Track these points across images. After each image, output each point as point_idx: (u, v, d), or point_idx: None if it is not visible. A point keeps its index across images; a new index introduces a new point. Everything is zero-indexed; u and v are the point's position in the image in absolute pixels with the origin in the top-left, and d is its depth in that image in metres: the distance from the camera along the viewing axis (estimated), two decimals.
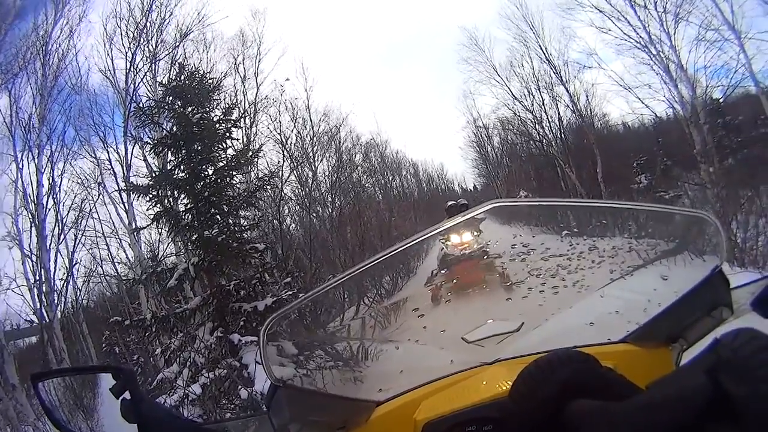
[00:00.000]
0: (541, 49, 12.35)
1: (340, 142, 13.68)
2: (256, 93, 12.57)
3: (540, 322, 1.52)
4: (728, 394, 0.51)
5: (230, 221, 7.92)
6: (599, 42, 11.18)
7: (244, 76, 12.59)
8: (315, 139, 13.32)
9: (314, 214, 12.51)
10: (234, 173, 8.38)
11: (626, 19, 10.56)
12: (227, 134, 8.39)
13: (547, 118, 12.83)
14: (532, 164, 14.29)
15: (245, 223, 8.42)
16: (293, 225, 12.67)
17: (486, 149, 15.66)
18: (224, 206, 7.83)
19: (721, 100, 10.20)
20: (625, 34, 10.54)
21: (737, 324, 0.97)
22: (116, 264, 11.64)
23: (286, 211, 12.36)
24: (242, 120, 11.43)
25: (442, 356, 1.43)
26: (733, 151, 10.00)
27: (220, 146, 8.26)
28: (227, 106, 8.84)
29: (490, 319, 1.49)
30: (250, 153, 8.86)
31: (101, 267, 11.70)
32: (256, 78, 12.63)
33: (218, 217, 7.73)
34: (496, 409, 0.97)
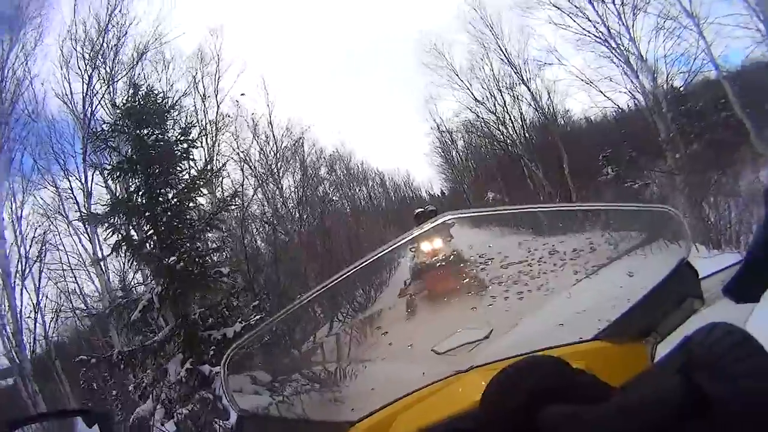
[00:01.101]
0: (500, 49, 12.64)
1: (304, 156, 13.71)
2: (217, 111, 12.53)
3: (510, 328, 1.56)
4: (705, 393, 0.50)
5: (193, 246, 7.75)
6: (559, 39, 11.53)
7: (204, 94, 12.53)
8: (279, 154, 13.31)
9: (282, 231, 12.41)
10: (195, 195, 8.22)
11: (585, 14, 10.92)
12: (185, 155, 8.25)
13: (510, 118, 13.12)
14: (498, 165, 14.57)
15: (209, 246, 8.25)
16: (262, 243, 12.57)
17: (451, 154, 15.96)
18: (185, 231, 7.66)
19: (681, 88, 10.61)
20: (584, 29, 10.89)
21: (711, 312, 1.07)
22: (85, 297, 11.31)
23: (255, 230, 12.22)
24: (204, 139, 11.35)
25: (412, 370, 1.43)
26: (697, 137, 10.40)
27: (178, 168, 8.11)
28: (185, 125, 8.72)
29: (458, 329, 1.49)
30: (210, 173, 8.66)
31: (70, 301, 11.34)
32: (216, 96, 12.60)
33: (180, 242, 7.54)
34: (471, 419, 0.97)
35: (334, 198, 14.80)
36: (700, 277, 1.05)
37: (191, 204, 8.09)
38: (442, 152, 16.07)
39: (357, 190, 16.14)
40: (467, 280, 1.88)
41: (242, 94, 12.52)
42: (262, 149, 13.03)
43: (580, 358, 1.14)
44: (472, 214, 1.31)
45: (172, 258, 6.96)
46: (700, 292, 1.05)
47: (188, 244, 7.69)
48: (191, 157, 8.55)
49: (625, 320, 1.18)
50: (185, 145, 8.28)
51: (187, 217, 7.93)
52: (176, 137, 8.34)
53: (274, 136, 13.20)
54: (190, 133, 8.59)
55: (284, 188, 13.19)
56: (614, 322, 1.21)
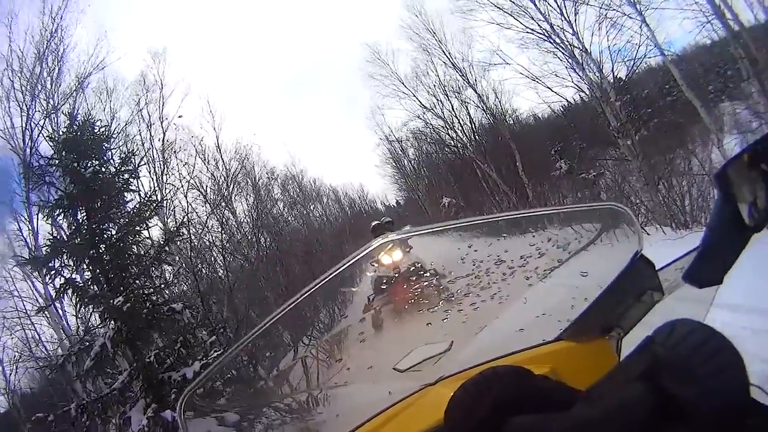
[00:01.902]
0: (444, 54, 12.96)
1: (255, 178, 13.56)
2: (163, 138, 12.35)
3: (470, 338, 1.60)
4: (672, 396, 0.50)
5: (142, 283, 7.45)
6: (502, 39, 11.92)
7: (149, 121, 12.30)
8: (230, 178, 13.14)
9: (240, 257, 12.19)
10: (140, 228, 7.91)
11: (527, 12, 11.29)
12: (126, 186, 7.94)
13: (459, 122, 13.46)
14: (451, 170, 14.87)
15: (160, 282, 7.95)
16: (221, 271, 12.29)
17: (402, 163, 16.20)
18: (132, 268, 7.34)
19: (626, 77, 11.11)
20: (527, 27, 11.27)
21: (676, 300, 1.11)
22: (45, 344, 10.96)
23: (213, 258, 11.93)
24: (152, 168, 11.33)
25: (377, 390, 1.46)
26: (645, 123, 10.94)
27: (121, 200, 7.79)
28: (123, 155, 8.40)
29: (417, 345, 1.53)
30: (155, 204, 8.37)
31: (29, 350, 10.98)
32: (162, 122, 12.41)
33: (126, 281, 7.22)
34: None
35: (289, 218, 14.73)
36: (657, 268, 1.08)
37: (136, 238, 7.77)
38: (393, 162, 16.34)
39: (312, 208, 16.15)
40: (420, 295, 1.91)
41: (180, 116, 12.42)
42: (212, 174, 12.92)
43: (545, 360, 1.24)
44: (407, 235, 1.34)
45: (118, 299, 6.63)
46: (658, 283, 1.08)
47: (136, 282, 7.36)
48: (133, 188, 8.27)
49: (585, 319, 1.20)
50: (126, 176, 7.97)
51: (133, 252, 7.59)
52: (116, 168, 8.04)
53: (222, 160, 13.10)
54: (131, 162, 8.27)
55: (238, 213, 13.08)
56: (575, 322, 1.24)
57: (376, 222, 9.45)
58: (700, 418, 0.49)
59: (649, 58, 10.58)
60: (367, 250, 1.11)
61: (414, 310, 1.81)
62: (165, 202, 10.29)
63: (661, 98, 11.49)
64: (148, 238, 8.61)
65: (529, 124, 13.82)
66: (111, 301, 6.67)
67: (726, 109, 9.66)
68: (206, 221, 12.24)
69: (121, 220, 7.66)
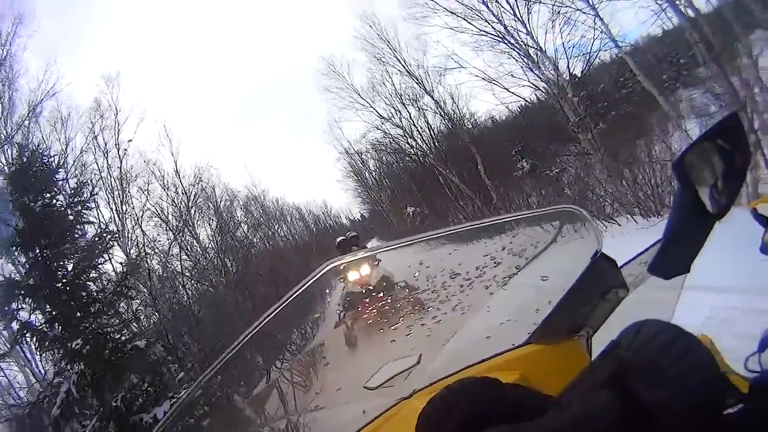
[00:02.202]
0: (400, 62, 13.11)
1: (217, 201, 13.36)
2: (120, 165, 12.13)
3: (438, 350, 1.61)
4: (640, 400, 0.49)
5: (101, 322, 7.08)
6: (457, 43, 12.11)
7: (106, 149, 12.09)
8: (190, 203, 12.93)
9: (207, 283, 11.97)
10: (97, 263, 7.62)
11: (480, 15, 11.48)
12: (79, 219, 7.63)
13: (418, 130, 13.64)
14: (413, 179, 15.07)
15: (121, 319, 7.63)
16: (187, 300, 11.99)
17: (364, 176, 16.29)
18: (90, 306, 7.00)
19: (582, 73, 11.40)
20: (480, 29, 11.47)
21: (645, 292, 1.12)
22: (17, 391, 10.47)
23: (178, 287, 11.64)
24: (110, 197, 11.15)
25: (350, 410, 1.46)
26: (602, 116, 11.29)
27: (73, 234, 7.47)
28: (75, 185, 8.10)
29: (384, 362, 1.52)
30: (109, 236, 8.07)
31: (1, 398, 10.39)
32: (118, 150, 12.22)
33: (84, 321, 6.86)
34: None
35: (254, 240, 14.60)
36: (619, 265, 1.09)
37: (93, 273, 7.46)
38: (355, 176, 16.39)
39: (277, 228, 16.08)
40: (380, 313, 1.95)
41: (129, 141, 12.26)
42: (172, 200, 12.72)
43: (515, 364, 1.26)
44: (354, 258, 1.35)
45: (77, 342, 6.33)
46: (621, 280, 1.09)
47: (97, 321, 7.01)
48: (88, 219, 7.99)
49: (552, 321, 1.22)
50: (79, 208, 7.66)
51: (91, 289, 7.27)
52: (67, 200, 7.73)
53: (182, 185, 12.86)
54: (82, 193, 7.97)
55: (202, 238, 12.92)
56: (542, 325, 1.26)
57: (341, 238, 9.33)
58: (671, 420, 0.48)
59: (604, 51, 10.88)
60: (319, 275, 1.11)
61: (375, 329, 1.82)
62: (126, 231, 9.95)
63: (617, 91, 11.88)
64: (104, 272, 8.34)
65: (488, 126, 14.15)
66: (69, 344, 6.36)
67: (683, 96, 10.02)
68: (168, 249, 12.04)
69: (77, 254, 7.37)
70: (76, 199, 7.74)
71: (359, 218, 18.32)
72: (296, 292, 1.12)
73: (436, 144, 13.63)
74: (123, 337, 7.23)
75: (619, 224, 8.12)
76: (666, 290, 1.14)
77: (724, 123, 0.73)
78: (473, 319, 1.64)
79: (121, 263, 9.80)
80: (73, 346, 6.36)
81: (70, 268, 7.15)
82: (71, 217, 7.51)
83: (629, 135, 9.79)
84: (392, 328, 1.69)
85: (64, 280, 6.98)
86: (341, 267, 1.15)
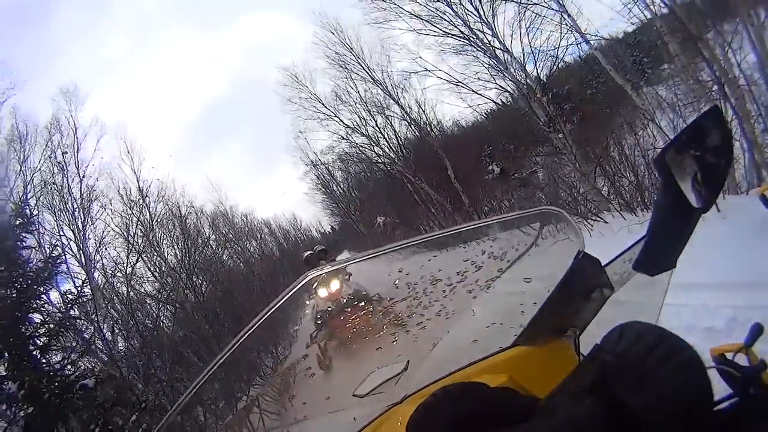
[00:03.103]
0: (364, 69, 13.19)
1: (182, 218, 13.09)
2: (80, 185, 11.81)
3: (425, 355, 1.66)
4: (627, 407, 0.50)
5: (41, 362, 6.65)
6: (421, 47, 12.24)
7: (66, 167, 11.73)
8: (155, 221, 12.72)
9: (176, 305, 11.68)
10: (40, 293, 7.18)
11: (445, 18, 11.60)
12: (18, 244, 7.21)
13: (385, 138, 13.74)
14: (382, 188, 15.24)
15: (65, 357, 7.19)
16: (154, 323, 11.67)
17: (332, 188, 16.33)
18: (29, 345, 6.56)
19: (549, 73, 11.65)
20: (445, 32, 11.61)
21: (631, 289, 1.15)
22: None
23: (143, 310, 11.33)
24: (71, 218, 10.97)
25: (341, 418, 1.51)
26: (570, 116, 11.59)
27: (17, 263, 7.04)
28: (15, 205, 7.67)
29: (371, 370, 1.58)
30: (49, 263, 7.56)
31: None
32: (78, 168, 11.92)
33: (23, 362, 6.42)
34: None
35: (223, 257, 14.39)
36: (603, 264, 1.11)
37: (32, 304, 6.98)
38: (323, 188, 16.40)
39: (247, 244, 15.92)
40: (364, 323, 2.01)
41: (64, 153, 11.91)
42: (139, 220, 12.50)
43: (503, 367, 1.31)
44: (334, 267, 1.47)
45: (10, 386, 5.87)
46: (606, 279, 1.11)
47: (35, 362, 6.57)
48: (26, 244, 7.52)
49: (538, 323, 1.25)
50: (18, 231, 7.23)
51: (33, 323, 6.85)
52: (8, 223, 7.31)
53: (145, 203, 12.60)
54: (24, 213, 7.57)
55: (169, 259, 12.69)
56: (528, 327, 1.30)
57: (308, 253, 8.83)
58: (656, 425, 0.49)
59: (573, 46, 10.96)
60: (299, 285, 1.13)
61: (360, 338, 1.87)
62: (88, 254, 9.55)
63: (581, 92, 12.25)
64: (47, 303, 7.87)
65: (456, 131, 14.39)
66: (8, 384, 5.91)
67: (650, 94, 10.40)
68: (131, 271, 11.71)
69: (15, 283, 6.90)
70: (19, 222, 7.29)
71: (329, 231, 18.37)
72: (277, 302, 1.13)
73: (404, 151, 13.71)
74: (71, 375, 6.74)
75: (605, 221, 8.18)
76: (653, 286, 1.17)
77: (704, 116, 0.75)
78: (459, 323, 1.68)
79: (67, 294, 9.31)
80: (8, 389, 5.92)
81: (9, 301, 6.63)
82: (9, 244, 7.07)
83: (600, 133, 10.06)
84: (377, 336, 1.74)
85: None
86: (321, 277, 1.18)
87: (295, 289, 1.13)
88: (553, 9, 10.40)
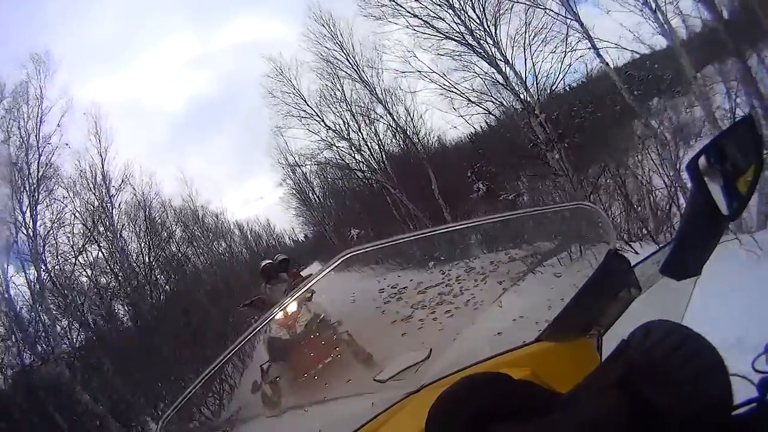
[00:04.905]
0: (353, 68, 13.15)
1: (149, 211, 13.01)
2: (38, 162, 11.44)
3: (449, 344, 1.77)
4: (651, 404, 0.53)
5: None
6: (418, 49, 12.22)
7: (28, 142, 11.35)
8: (116, 210, 12.48)
9: (132, 305, 11.53)
10: None
11: (446, 21, 11.72)
12: None
13: (367, 144, 13.67)
14: (359, 198, 15.13)
15: None
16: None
17: (307, 195, 16.26)
18: None
19: (551, 87, 11.73)
20: (445, 34, 11.76)
21: (653, 295, 1.19)
22: None
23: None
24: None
25: (360, 402, 1.59)
26: (566, 136, 11.65)
27: None
28: None
29: (396, 355, 1.68)
30: None
31: None
32: (38, 143, 11.46)
33: None
34: None
35: (188, 254, 14.31)
36: (632, 264, 1.15)
37: None
38: (297, 194, 16.36)
39: (215, 244, 15.79)
40: (397, 307, 2.09)
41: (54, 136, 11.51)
42: (102, 205, 12.15)
43: (526, 362, 1.36)
44: (373, 247, 1.45)
45: None
46: (634, 279, 1.14)
47: None
48: None
49: (563, 319, 1.30)
50: None
51: None
52: None
53: (108, 190, 12.36)
54: None
55: (130, 251, 12.39)
56: (553, 323, 1.35)
57: (267, 262, 7.82)
58: (679, 424, 0.52)
59: (581, 57, 11.00)
60: (329, 269, 1.20)
61: (386, 322, 1.97)
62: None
63: (568, 121, 12.44)
64: None
65: (444, 144, 14.26)
66: None
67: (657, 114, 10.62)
68: (74, 264, 11.46)
69: None
70: None
71: (303, 239, 18.33)
72: (314, 281, 1.24)
73: (387, 160, 13.62)
74: None
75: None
76: (677, 292, 1.22)
77: (738, 125, 0.85)
78: (485, 314, 1.77)
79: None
80: None
81: None
82: None
83: (591, 160, 10.37)
84: (405, 321, 1.86)
85: None
86: (359, 255, 1.24)
87: (332, 267, 1.18)
88: (562, 16, 10.61)
